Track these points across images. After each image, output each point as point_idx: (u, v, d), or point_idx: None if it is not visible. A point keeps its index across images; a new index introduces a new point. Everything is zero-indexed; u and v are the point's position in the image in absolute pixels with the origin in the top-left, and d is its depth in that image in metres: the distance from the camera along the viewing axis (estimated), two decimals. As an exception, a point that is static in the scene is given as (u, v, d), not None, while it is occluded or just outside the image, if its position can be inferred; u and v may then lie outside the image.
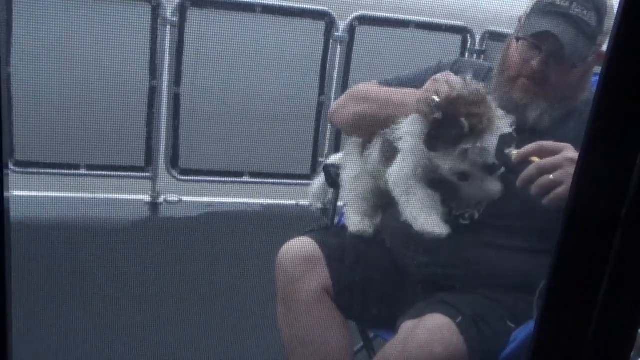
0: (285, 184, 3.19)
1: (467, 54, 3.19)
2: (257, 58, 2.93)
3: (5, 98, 0.54)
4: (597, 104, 0.51)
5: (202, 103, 2.95)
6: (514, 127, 1.25)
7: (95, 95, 2.77)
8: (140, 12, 2.75)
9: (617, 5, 0.50)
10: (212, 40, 2.84)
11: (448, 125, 1.24)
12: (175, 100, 2.91)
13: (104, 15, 2.68)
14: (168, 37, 2.81)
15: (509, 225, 1.33)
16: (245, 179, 3.11)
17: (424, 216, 1.33)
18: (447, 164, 1.27)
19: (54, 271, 2.24)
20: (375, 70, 2.98)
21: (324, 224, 1.73)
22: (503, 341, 1.29)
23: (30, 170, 2.78)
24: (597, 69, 1.40)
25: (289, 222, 3.06)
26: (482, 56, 3.21)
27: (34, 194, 2.79)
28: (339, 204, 1.77)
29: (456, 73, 1.52)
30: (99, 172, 2.91)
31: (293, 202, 3.23)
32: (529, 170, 1.13)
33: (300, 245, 1.46)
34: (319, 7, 2.97)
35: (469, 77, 1.31)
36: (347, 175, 1.58)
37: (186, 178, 3.04)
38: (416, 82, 1.51)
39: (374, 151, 1.49)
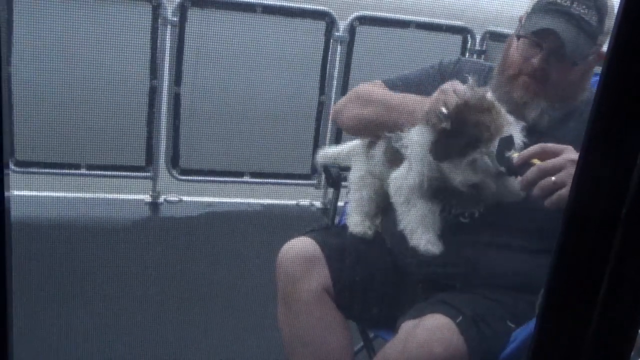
0: (285, 184, 3.19)
1: (467, 54, 3.19)
2: (258, 58, 2.93)
3: (6, 98, 0.55)
4: (597, 104, 0.51)
5: (202, 103, 2.96)
6: (524, 132, 1.24)
7: (96, 95, 2.77)
8: (140, 12, 2.75)
9: (618, 5, 0.50)
10: (213, 40, 2.84)
11: (457, 135, 1.22)
12: (176, 100, 2.91)
13: (104, 15, 2.69)
14: (168, 36, 2.81)
15: (509, 224, 1.33)
16: (246, 178, 3.11)
17: (420, 231, 1.33)
18: (458, 175, 1.25)
19: (55, 271, 2.24)
20: (376, 70, 2.98)
21: (325, 224, 1.73)
22: (503, 341, 1.28)
23: (30, 170, 2.78)
24: (598, 69, 1.41)
25: (289, 222, 3.07)
26: (483, 56, 3.21)
27: (34, 193, 2.79)
28: (340, 203, 1.78)
29: (457, 73, 1.52)
30: (99, 172, 2.91)
31: (293, 202, 3.24)
32: (531, 172, 1.13)
33: (301, 245, 1.46)
34: (319, 7, 2.97)
35: (476, 85, 1.29)
36: (353, 176, 1.58)
37: (186, 178, 3.05)
38: (420, 82, 1.51)
39: (378, 152, 1.48)
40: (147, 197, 3.03)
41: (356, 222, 1.54)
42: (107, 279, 2.26)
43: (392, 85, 1.53)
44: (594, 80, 1.44)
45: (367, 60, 3.06)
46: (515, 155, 1.17)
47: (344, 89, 3.08)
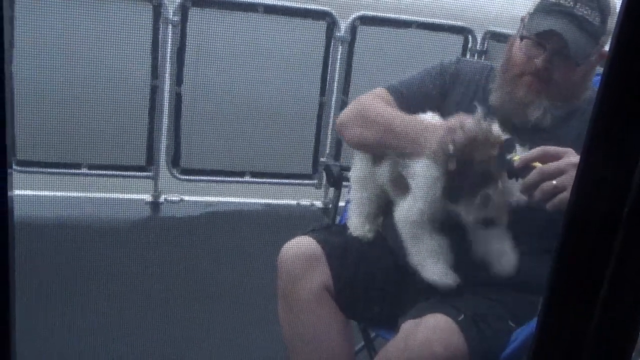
0: (286, 184, 3.20)
1: (468, 54, 3.19)
2: (259, 58, 2.93)
3: (9, 97, 0.55)
4: (599, 103, 0.51)
5: (203, 103, 2.96)
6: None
7: (97, 94, 2.77)
8: (141, 12, 2.76)
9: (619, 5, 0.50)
10: (214, 39, 2.85)
11: (467, 174, 1.22)
12: (177, 99, 2.91)
13: (105, 15, 2.69)
14: (170, 36, 2.82)
15: (510, 225, 1.33)
16: (247, 178, 3.12)
17: (430, 263, 1.32)
18: (470, 213, 1.24)
19: (56, 270, 2.25)
20: (377, 71, 2.99)
21: (325, 223, 1.73)
22: (504, 341, 1.29)
23: (31, 169, 2.78)
24: (599, 69, 1.41)
25: (290, 221, 3.07)
26: (483, 56, 3.22)
27: (35, 193, 2.79)
28: (341, 203, 1.78)
29: (458, 73, 1.52)
30: (100, 172, 2.91)
31: (294, 201, 3.24)
32: (532, 175, 1.13)
33: (302, 244, 1.46)
34: (320, 7, 2.98)
35: (483, 117, 1.26)
36: (354, 175, 1.58)
37: (187, 177, 3.05)
38: (423, 85, 1.50)
39: (385, 171, 1.46)
40: (148, 197, 3.04)
41: (356, 225, 1.54)
42: (108, 279, 2.26)
43: (396, 92, 1.51)
44: (596, 79, 1.44)
45: (368, 60, 3.07)
46: (516, 158, 1.17)
47: (345, 88, 3.08)
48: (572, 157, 1.11)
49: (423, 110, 1.47)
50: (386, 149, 1.44)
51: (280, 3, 2.92)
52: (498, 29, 3.19)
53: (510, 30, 1.50)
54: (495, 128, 1.26)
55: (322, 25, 2.98)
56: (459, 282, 1.32)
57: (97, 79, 2.75)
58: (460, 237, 1.34)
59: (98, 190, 2.93)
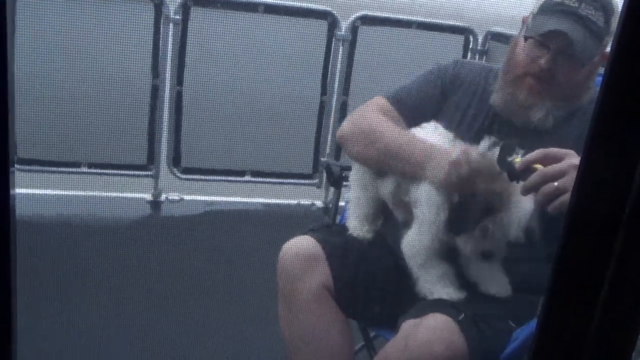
0: (286, 183, 3.19)
1: (469, 54, 3.19)
2: (259, 57, 2.93)
3: (12, 97, 0.55)
4: (599, 104, 0.51)
5: (204, 102, 2.96)
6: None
7: (98, 93, 2.77)
8: (143, 11, 2.76)
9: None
10: (215, 39, 2.85)
11: (468, 206, 1.22)
12: (178, 98, 2.91)
13: (106, 13, 2.69)
14: (171, 35, 2.81)
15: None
16: (247, 178, 3.11)
17: (439, 287, 1.33)
18: (468, 245, 1.26)
19: (56, 268, 2.25)
20: (378, 70, 2.99)
21: (326, 223, 1.73)
22: (504, 341, 1.29)
23: (32, 168, 2.78)
24: (601, 70, 1.41)
25: (290, 221, 3.07)
26: (484, 56, 3.22)
27: (35, 191, 2.79)
28: (341, 203, 1.78)
29: (456, 76, 1.51)
30: (100, 171, 2.91)
31: (294, 201, 3.24)
32: (533, 178, 1.12)
33: (302, 244, 1.46)
34: (321, 7, 2.97)
35: (488, 150, 1.27)
36: (354, 177, 1.58)
37: (188, 177, 3.05)
38: (421, 90, 1.50)
39: (387, 187, 1.46)
40: (148, 196, 3.04)
41: (355, 226, 1.54)
42: (108, 278, 2.26)
43: (395, 100, 1.50)
44: (598, 80, 1.44)
45: (369, 59, 3.07)
46: (517, 160, 1.16)
47: (345, 88, 3.08)
48: (573, 159, 1.10)
49: (423, 116, 1.47)
50: (388, 170, 1.44)
51: (281, 2, 2.92)
52: (499, 30, 3.19)
53: (511, 30, 1.49)
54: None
55: (323, 24, 2.98)
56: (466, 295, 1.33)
57: (98, 77, 2.75)
58: (464, 265, 1.36)
59: (98, 189, 2.93)
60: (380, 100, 1.51)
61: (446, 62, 1.55)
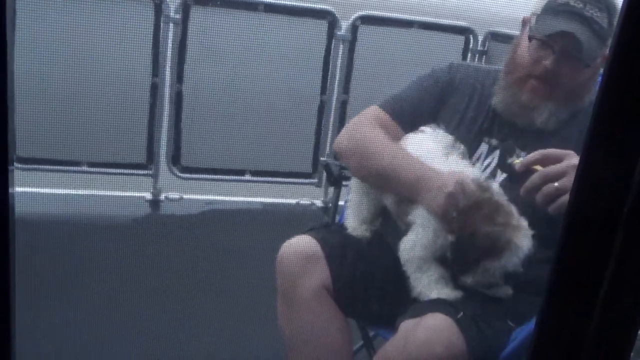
0: (286, 183, 3.19)
1: (469, 54, 3.19)
2: (259, 56, 2.93)
3: (12, 96, 0.55)
4: (598, 104, 0.51)
5: (204, 101, 2.96)
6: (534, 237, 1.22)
7: (97, 92, 2.77)
8: (143, 10, 2.75)
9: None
10: (215, 38, 2.84)
11: (467, 246, 1.22)
12: (178, 97, 2.91)
13: (106, 12, 2.68)
14: (171, 34, 2.81)
15: None
16: (247, 177, 3.11)
17: (436, 289, 1.33)
18: (469, 279, 1.27)
19: (56, 267, 2.25)
20: (378, 70, 2.99)
21: (325, 222, 1.73)
22: (503, 340, 1.29)
23: (31, 166, 2.78)
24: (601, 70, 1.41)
25: (289, 220, 3.07)
26: (484, 57, 3.21)
27: (35, 190, 2.79)
28: (340, 202, 1.78)
29: (452, 80, 1.51)
30: (100, 169, 2.91)
31: (294, 200, 3.23)
32: (533, 179, 1.12)
33: (301, 243, 1.46)
34: (321, 6, 2.97)
35: (485, 182, 1.27)
36: (355, 181, 1.58)
37: (187, 176, 3.04)
38: (416, 97, 1.49)
39: (389, 198, 1.46)
40: (147, 195, 3.03)
41: (353, 226, 1.54)
42: (107, 276, 2.26)
43: (391, 109, 1.49)
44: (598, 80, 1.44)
45: (369, 59, 3.06)
46: (517, 162, 1.16)
47: (345, 87, 3.08)
48: (573, 159, 1.11)
49: (421, 122, 1.46)
50: (385, 188, 1.43)
51: (281, 2, 2.92)
52: (499, 30, 3.19)
53: (512, 31, 1.49)
54: (496, 188, 1.25)
55: (323, 24, 2.97)
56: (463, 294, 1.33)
57: (98, 76, 2.74)
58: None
59: (98, 187, 2.93)
60: (375, 111, 1.50)
61: (441, 66, 1.54)
